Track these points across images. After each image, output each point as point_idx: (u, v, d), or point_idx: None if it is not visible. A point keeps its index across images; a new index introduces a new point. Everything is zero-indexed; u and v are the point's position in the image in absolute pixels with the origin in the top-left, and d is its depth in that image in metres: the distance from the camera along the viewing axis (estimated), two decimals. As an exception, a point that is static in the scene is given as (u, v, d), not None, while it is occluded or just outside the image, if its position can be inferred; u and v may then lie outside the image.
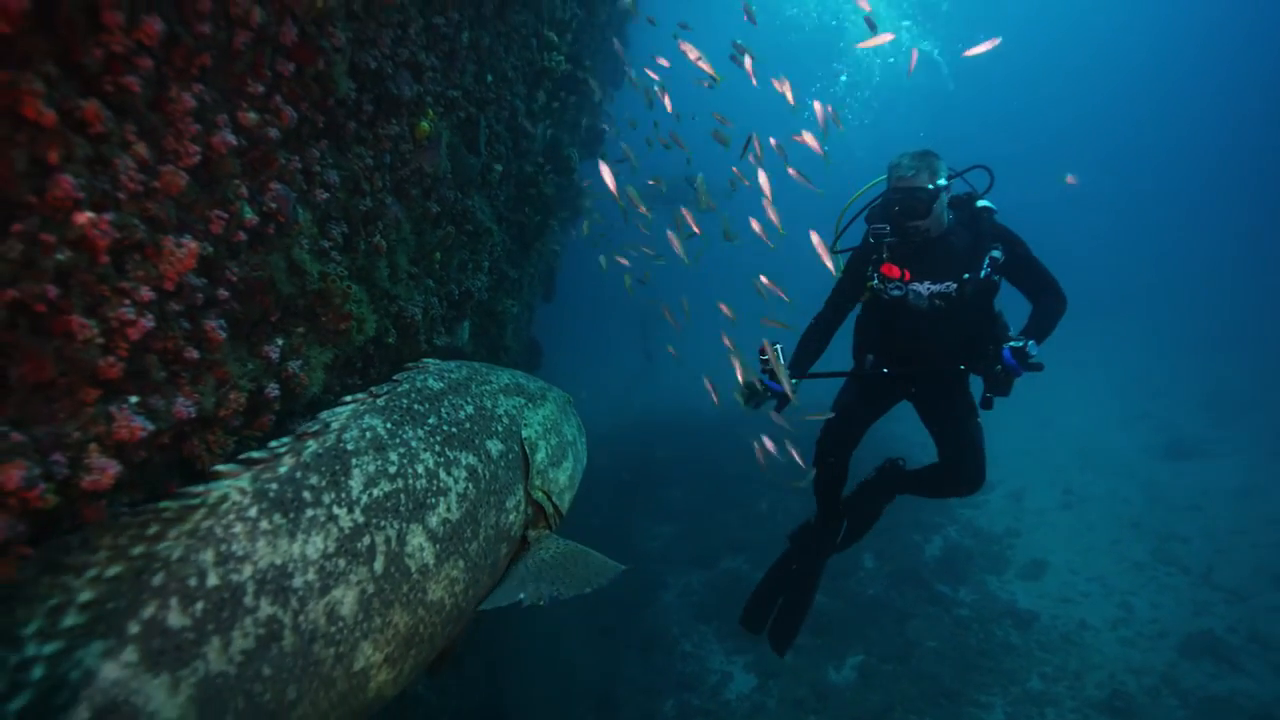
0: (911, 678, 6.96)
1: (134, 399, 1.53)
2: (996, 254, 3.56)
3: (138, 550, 1.26)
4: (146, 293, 1.49)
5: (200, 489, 1.42)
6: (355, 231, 2.25)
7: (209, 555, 1.32)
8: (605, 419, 13.98)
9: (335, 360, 2.16)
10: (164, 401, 1.59)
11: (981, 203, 3.67)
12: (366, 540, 1.52)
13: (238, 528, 1.39)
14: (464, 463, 1.76)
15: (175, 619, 1.25)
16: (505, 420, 1.97)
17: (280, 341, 1.94)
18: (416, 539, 1.60)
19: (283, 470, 1.51)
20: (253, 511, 1.42)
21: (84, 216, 1.33)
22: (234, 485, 1.45)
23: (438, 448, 1.73)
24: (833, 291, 3.97)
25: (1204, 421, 12.43)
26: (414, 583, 1.58)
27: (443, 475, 1.70)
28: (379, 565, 1.52)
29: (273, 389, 1.89)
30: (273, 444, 1.57)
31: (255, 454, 1.52)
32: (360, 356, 2.42)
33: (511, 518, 1.90)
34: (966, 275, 3.54)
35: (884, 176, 3.66)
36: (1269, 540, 8.62)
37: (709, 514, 10.11)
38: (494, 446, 1.88)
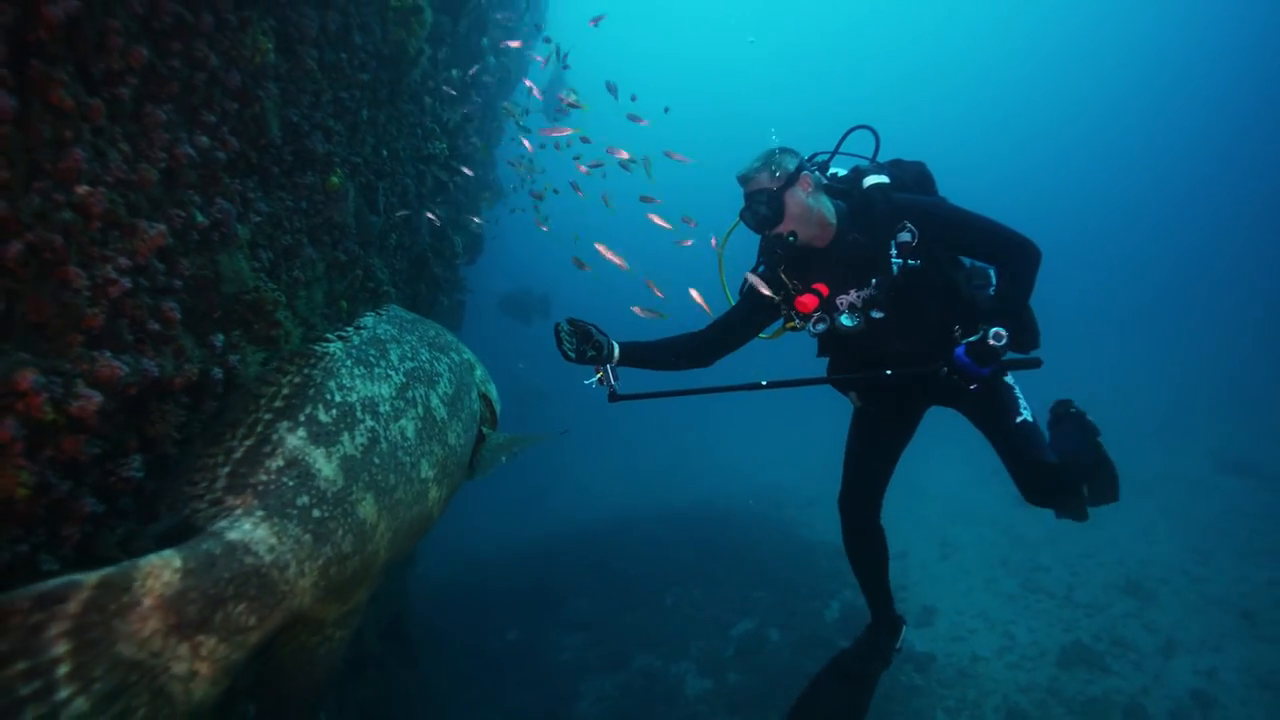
0: (829, 733, 7.12)
1: (108, 354, 1.79)
2: (905, 236, 2.91)
3: (303, 373, 1.88)
4: (124, 261, 1.80)
5: (319, 346, 1.99)
6: (279, 262, 2.61)
7: (333, 383, 1.91)
8: (506, 541, 13.79)
9: (267, 363, 2.44)
10: (132, 359, 1.86)
11: (870, 180, 3.01)
12: (410, 393, 2.14)
13: (343, 370, 1.97)
14: (444, 360, 2.40)
15: (323, 416, 1.83)
16: (454, 344, 2.62)
17: (221, 337, 2.24)
18: (435, 400, 2.24)
19: (355, 342, 2.10)
20: (348, 363, 2.00)
21: (83, 187, 1.67)
22: (335, 348, 2.02)
23: (427, 347, 2.37)
24: (726, 312, 3.24)
25: (1043, 471, 13.99)
26: (440, 427, 2.22)
27: (435, 364, 2.34)
28: (420, 410, 2.15)
29: (217, 372, 2.17)
30: (344, 330, 2.16)
31: (336, 333, 2.12)
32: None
33: (477, 406, 2.58)
34: (875, 280, 2.94)
35: None
36: (1111, 559, 9.74)
37: (616, 616, 10.08)
38: (455, 356, 2.52)
